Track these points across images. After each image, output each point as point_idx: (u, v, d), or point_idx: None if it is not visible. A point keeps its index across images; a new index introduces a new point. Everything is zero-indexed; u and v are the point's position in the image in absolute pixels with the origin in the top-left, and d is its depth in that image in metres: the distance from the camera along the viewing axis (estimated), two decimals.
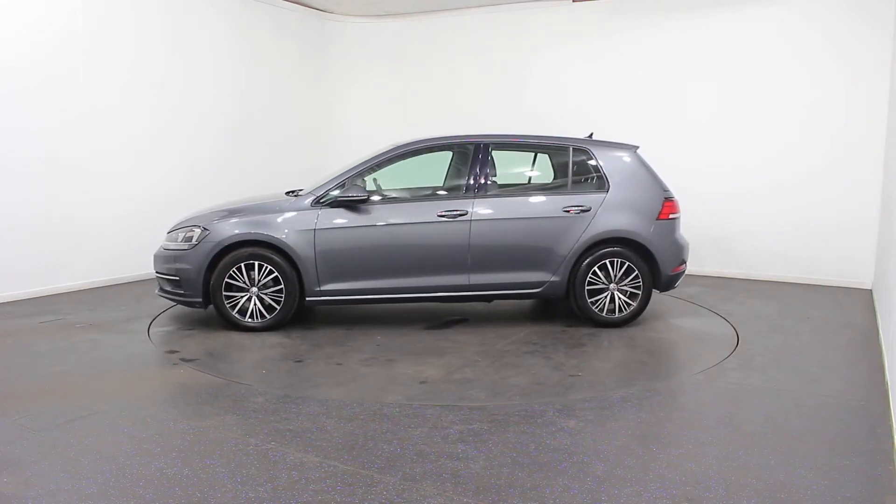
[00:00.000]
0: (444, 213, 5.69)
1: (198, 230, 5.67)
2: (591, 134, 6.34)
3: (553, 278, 5.77)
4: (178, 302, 5.81)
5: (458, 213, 5.69)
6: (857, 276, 7.75)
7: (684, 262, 6.08)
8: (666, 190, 5.96)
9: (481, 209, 5.72)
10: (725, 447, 3.48)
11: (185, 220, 5.96)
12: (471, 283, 5.76)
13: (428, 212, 5.72)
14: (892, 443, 3.54)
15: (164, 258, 5.78)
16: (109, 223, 7.41)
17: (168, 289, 5.79)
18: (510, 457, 3.33)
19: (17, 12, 6.48)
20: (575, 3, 9.04)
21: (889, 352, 4.64)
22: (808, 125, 7.88)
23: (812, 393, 4.34)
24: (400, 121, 9.97)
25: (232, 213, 5.77)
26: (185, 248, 5.64)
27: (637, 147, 6.10)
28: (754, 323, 6.12)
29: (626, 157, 6.00)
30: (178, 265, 5.63)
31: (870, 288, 7.65)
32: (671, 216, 5.92)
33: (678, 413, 4.05)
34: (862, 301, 7.12)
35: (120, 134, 7.46)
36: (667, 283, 5.97)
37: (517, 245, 5.75)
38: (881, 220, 7.12)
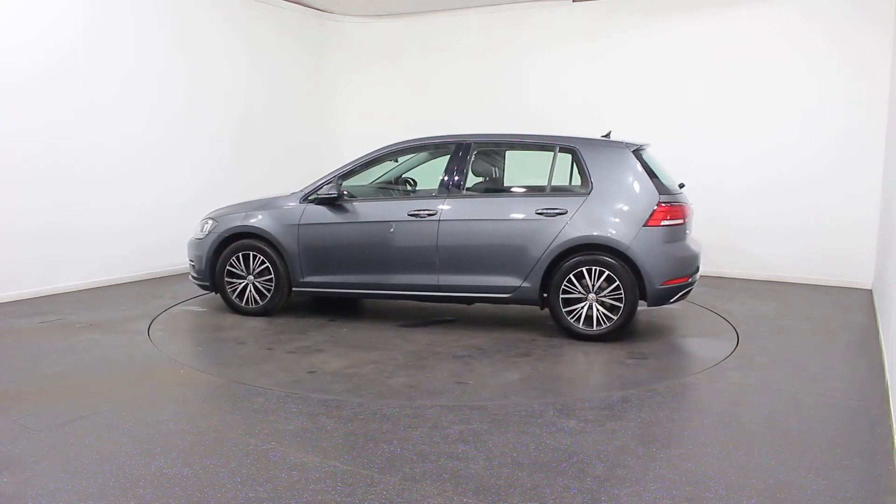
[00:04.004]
0: (414, 213, 5.68)
1: (211, 222, 6.29)
2: (609, 133, 6.05)
3: (524, 284, 5.46)
4: (197, 285, 6.40)
5: (429, 212, 5.65)
6: (857, 276, 7.75)
7: (685, 276, 5.44)
8: (665, 193, 5.40)
9: (451, 209, 5.62)
10: (725, 447, 3.48)
11: (210, 213, 6.52)
12: (440, 283, 5.67)
13: (400, 210, 5.74)
14: (892, 443, 3.54)
15: (189, 245, 6.43)
16: (110, 223, 7.41)
17: (191, 273, 6.42)
18: (510, 457, 3.33)
19: (17, 12, 6.47)
20: (575, 3, 9.04)
21: (889, 352, 4.64)
22: (808, 125, 7.88)
23: (812, 393, 4.34)
24: (399, 120, 9.96)
25: (240, 207, 6.35)
26: (201, 237, 6.27)
27: (636, 146, 5.60)
28: (754, 323, 6.12)
29: (617, 157, 5.51)
30: (196, 252, 6.29)
31: (870, 288, 7.65)
32: (664, 223, 5.31)
33: (678, 413, 4.05)
34: (862, 301, 7.12)
35: (120, 134, 7.46)
36: (657, 298, 5.34)
37: (485, 247, 5.54)
38: (881, 219, 7.12)
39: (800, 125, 7.93)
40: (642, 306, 5.49)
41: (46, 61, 6.72)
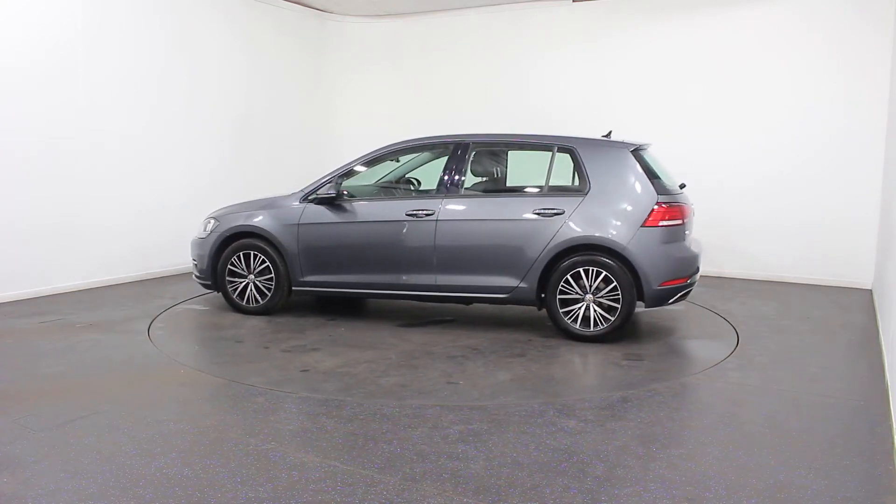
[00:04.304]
0: (412, 213, 5.68)
1: (213, 221, 6.34)
2: (610, 133, 6.00)
3: (521, 284, 5.44)
4: (200, 284, 6.44)
5: (426, 212, 5.65)
6: (857, 276, 7.74)
7: (684, 277, 5.38)
8: (664, 193, 5.35)
9: (448, 209, 5.61)
10: (725, 447, 3.48)
11: (212, 212, 6.58)
12: (438, 283, 5.67)
13: (398, 210, 5.74)
14: (892, 443, 3.54)
15: (192, 245, 6.48)
16: (109, 223, 7.41)
17: (195, 273, 6.48)
18: (510, 457, 3.33)
19: (17, 12, 6.47)
20: (575, 3, 9.04)
21: (889, 352, 4.64)
22: (808, 125, 7.88)
23: (812, 393, 4.34)
24: (400, 120, 9.96)
25: (241, 206, 6.39)
26: (204, 236, 6.31)
27: (635, 146, 5.54)
28: (754, 323, 6.12)
29: (615, 157, 5.47)
30: (198, 251, 6.35)
31: (870, 288, 7.65)
32: (662, 223, 5.25)
33: (678, 413, 4.05)
34: (862, 301, 7.12)
35: (120, 134, 7.46)
36: (655, 299, 5.29)
37: (482, 247, 5.52)
38: (881, 219, 7.12)
39: (800, 125, 7.93)
40: (641, 307, 5.45)
41: (46, 61, 6.72)
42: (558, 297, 5.38)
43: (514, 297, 5.54)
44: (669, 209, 5.32)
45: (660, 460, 3.32)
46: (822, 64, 7.79)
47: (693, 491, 3.00)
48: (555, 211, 5.39)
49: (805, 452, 3.42)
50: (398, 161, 6.41)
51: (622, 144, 5.58)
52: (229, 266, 6.17)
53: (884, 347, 5.17)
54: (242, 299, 6.20)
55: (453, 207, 5.62)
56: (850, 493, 3.00)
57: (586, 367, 4.95)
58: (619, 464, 3.27)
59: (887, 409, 4.01)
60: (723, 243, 8.27)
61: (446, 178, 5.75)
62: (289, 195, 6.21)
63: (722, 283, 8.01)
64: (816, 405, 4.14)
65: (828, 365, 4.98)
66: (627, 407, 4.05)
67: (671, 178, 5.74)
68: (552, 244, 5.34)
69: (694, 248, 5.59)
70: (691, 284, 5.52)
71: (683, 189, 5.76)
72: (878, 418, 3.88)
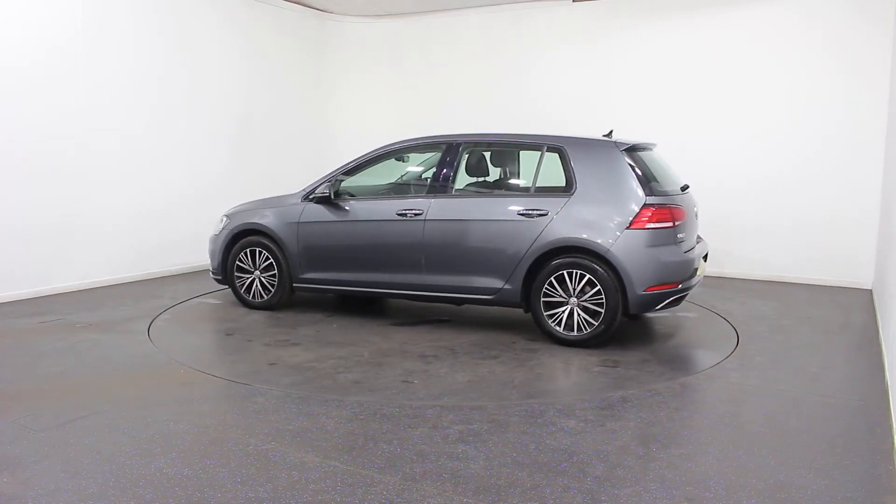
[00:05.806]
0: (402, 212, 5.71)
1: (225, 219, 6.56)
2: (611, 132, 5.86)
3: (506, 286, 5.37)
4: (213, 279, 6.65)
5: (415, 212, 5.67)
6: (857, 275, 7.74)
7: (673, 282, 5.15)
8: (654, 195, 5.15)
9: (436, 209, 5.61)
10: (725, 447, 3.48)
11: (227, 210, 6.78)
12: (426, 283, 5.68)
13: (390, 210, 5.80)
14: (892, 443, 3.54)
15: (209, 241, 6.70)
16: (109, 223, 7.41)
17: (210, 268, 6.69)
18: (510, 457, 3.33)
19: (17, 12, 6.47)
20: (575, 3, 9.04)
21: (889, 352, 4.64)
22: (808, 125, 7.88)
23: (812, 393, 4.34)
24: (399, 120, 9.96)
25: (251, 205, 6.60)
26: (217, 233, 6.55)
27: (628, 145, 5.38)
28: (754, 323, 6.11)
29: (604, 156, 5.30)
30: (211, 248, 6.60)
31: (870, 288, 7.65)
32: (649, 226, 5.04)
33: (678, 413, 4.05)
34: (862, 301, 7.12)
35: (120, 134, 7.45)
36: (641, 305, 5.09)
37: (467, 248, 5.49)
38: (881, 219, 7.12)
39: (800, 125, 7.92)
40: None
41: (46, 61, 6.72)
42: (543, 299, 5.29)
43: (500, 299, 5.48)
44: (658, 211, 5.11)
45: (660, 460, 3.32)
46: (822, 64, 7.79)
47: (693, 491, 3.00)
48: (539, 212, 5.29)
49: (805, 452, 3.42)
50: (405, 160, 6.43)
51: (612, 144, 5.39)
52: (237, 262, 6.38)
53: (884, 347, 5.17)
54: (249, 294, 6.39)
55: (441, 207, 5.62)
56: (850, 493, 3.00)
57: (556, 372, 4.82)
58: (619, 464, 3.27)
59: (887, 409, 4.01)
60: (723, 243, 8.25)
61: (436, 177, 5.77)
62: (293, 194, 6.33)
63: (722, 283, 8.01)
64: (816, 405, 4.14)
65: (828, 365, 4.98)
66: (627, 407, 4.05)
67: (672, 179, 5.63)
68: (535, 245, 5.25)
69: (690, 253, 5.37)
70: (683, 290, 5.28)
71: (686, 191, 5.66)
72: (878, 418, 3.88)
